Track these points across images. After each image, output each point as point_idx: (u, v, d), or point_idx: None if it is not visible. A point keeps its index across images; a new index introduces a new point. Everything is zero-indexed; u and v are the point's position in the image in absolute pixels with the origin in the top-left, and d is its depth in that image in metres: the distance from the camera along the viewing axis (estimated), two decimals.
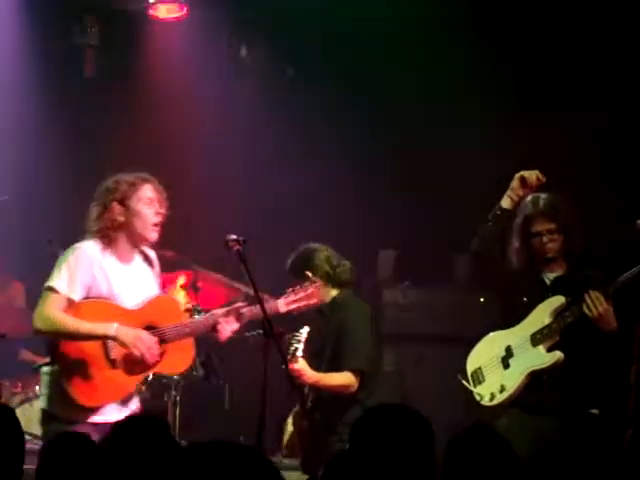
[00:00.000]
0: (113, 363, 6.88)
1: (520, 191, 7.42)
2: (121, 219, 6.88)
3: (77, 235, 7.03)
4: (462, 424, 5.39)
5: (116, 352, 6.87)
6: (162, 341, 6.98)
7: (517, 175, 7.47)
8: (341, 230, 8.63)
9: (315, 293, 7.41)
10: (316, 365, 7.54)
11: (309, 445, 7.56)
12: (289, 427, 7.86)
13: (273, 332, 6.62)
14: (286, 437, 7.90)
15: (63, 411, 6.84)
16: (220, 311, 7.13)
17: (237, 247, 6.68)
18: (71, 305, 6.78)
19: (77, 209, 7.42)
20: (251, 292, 7.09)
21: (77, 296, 6.74)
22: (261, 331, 6.79)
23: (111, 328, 6.71)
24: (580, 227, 7.37)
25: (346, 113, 10.18)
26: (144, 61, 10.36)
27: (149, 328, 6.95)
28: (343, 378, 7.42)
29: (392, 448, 4.19)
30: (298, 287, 7.31)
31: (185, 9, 9.88)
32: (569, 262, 7.33)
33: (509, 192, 7.48)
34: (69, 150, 9.79)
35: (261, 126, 10.06)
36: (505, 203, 7.47)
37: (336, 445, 6.74)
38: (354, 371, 7.36)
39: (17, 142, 9.22)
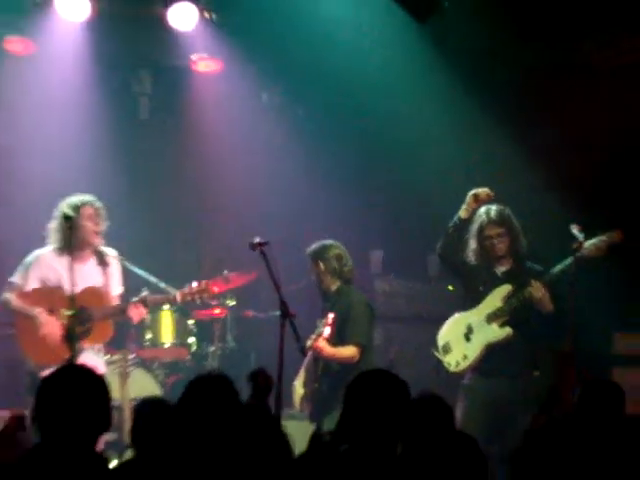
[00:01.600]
0: (45, 336, 7.26)
1: (473, 204, 7.54)
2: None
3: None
4: (432, 385, 6.03)
5: (44, 329, 7.28)
6: (89, 319, 7.21)
7: (470, 192, 7.55)
8: (340, 234, 8.13)
9: (206, 289, 7.54)
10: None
11: (316, 402, 7.46)
12: (299, 389, 7.70)
13: (288, 313, 6.51)
14: (297, 397, 7.73)
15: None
16: (131, 301, 7.41)
17: (261, 248, 6.63)
18: (22, 292, 7.34)
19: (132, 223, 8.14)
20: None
21: (28, 287, 7.33)
22: (279, 312, 6.62)
23: (34, 311, 7.22)
24: (522, 231, 7.41)
25: (346, 144, 9.86)
26: (188, 106, 10.10)
27: (82, 309, 7.11)
28: (349, 351, 7.39)
29: (376, 403, 4.12)
30: (195, 284, 7.45)
31: (220, 64, 9.61)
32: (514, 258, 7.42)
33: (465, 205, 7.63)
34: (128, 176, 9.56)
35: (279, 153, 9.79)
36: (462, 214, 7.59)
37: (339, 403, 6.46)
38: (357, 345, 7.35)
39: (86, 173, 8.90)
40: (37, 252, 7.52)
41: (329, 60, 9.37)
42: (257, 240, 6.72)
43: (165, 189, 9.46)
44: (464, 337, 7.46)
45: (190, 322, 8.89)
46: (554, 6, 8.77)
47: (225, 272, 8.83)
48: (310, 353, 7.53)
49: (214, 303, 9.10)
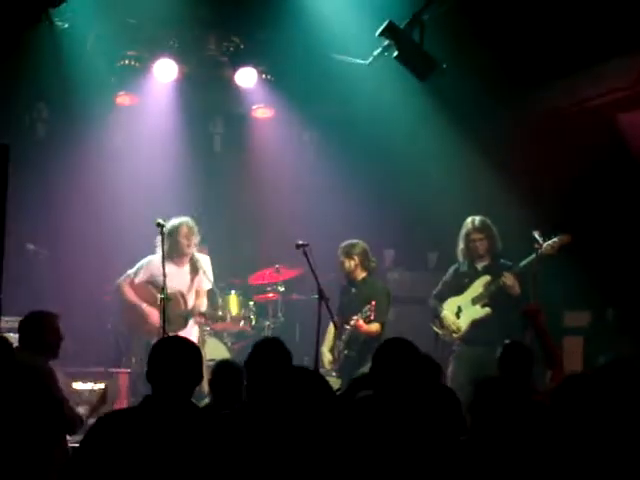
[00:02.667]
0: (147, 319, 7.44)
1: None
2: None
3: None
4: (430, 351, 6.04)
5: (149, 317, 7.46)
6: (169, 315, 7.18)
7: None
8: (361, 236, 8.21)
9: None
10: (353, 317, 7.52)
11: (345, 364, 7.44)
12: (327, 354, 7.75)
13: (323, 297, 6.83)
14: (326, 359, 7.75)
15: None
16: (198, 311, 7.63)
17: (304, 248, 6.90)
18: (132, 282, 7.56)
19: (211, 229, 8.19)
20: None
21: (137, 280, 7.56)
22: (316, 295, 6.90)
23: (138, 302, 7.44)
24: (498, 236, 7.57)
25: (366, 169, 9.74)
26: (249, 143, 10.09)
27: (166, 307, 7.20)
28: (376, 327, 7.41)
29: (398, 361, 4.12)
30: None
31: (273, 112, 9.69)
32: (492, 257, 7.54)
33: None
34: (206, 195, 9.57)
35: (315, 177, 9.70)
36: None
37: (367, 362, 6.34)
38: (381, 323, 7.43)
39: (176, 192, 9.12)
40: (150, 257, 7.78)
41: (353, 108, 9.34)
42: (300, 242, 6.95)
43: (233, 204, 9.37)
44: (455, 315, 7.54)
45: (251, 303, 8.83)
46: (525, 56, 8.37)
47: (277, 266, 8.83)
48: (331, 325, 7.39)
49: (269, 289, 9.03)
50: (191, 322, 7.70)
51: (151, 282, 7.61)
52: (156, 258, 7.61)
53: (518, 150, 8.84)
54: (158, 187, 9.01)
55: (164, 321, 6.82)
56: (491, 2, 7.72)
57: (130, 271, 7.76)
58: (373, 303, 7.28)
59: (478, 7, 7.67)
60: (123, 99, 9.15)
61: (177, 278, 7.68)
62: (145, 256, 7.73)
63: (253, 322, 8.80)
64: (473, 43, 8.07)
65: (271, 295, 9.03)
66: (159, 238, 7.32)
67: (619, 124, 8.42)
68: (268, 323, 8.78)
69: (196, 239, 7.82)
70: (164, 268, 6.92)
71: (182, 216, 7.78)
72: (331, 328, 7.56)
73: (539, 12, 7.65)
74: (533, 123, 8.91)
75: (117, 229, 8.93)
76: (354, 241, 7.74)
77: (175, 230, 7.70)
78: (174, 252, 7.70)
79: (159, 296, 7.18)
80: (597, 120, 8.44)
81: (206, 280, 7.89)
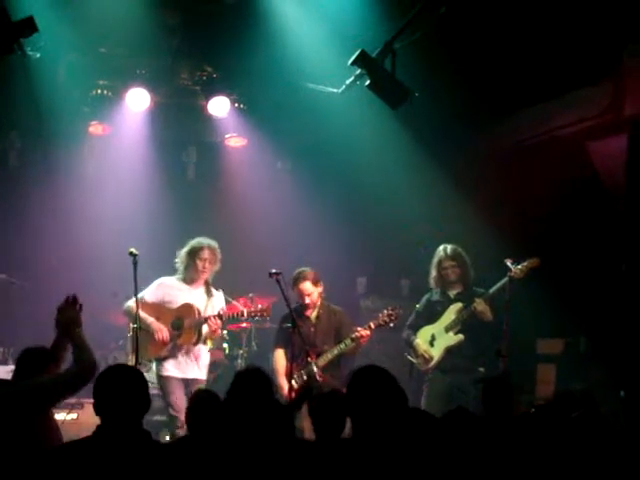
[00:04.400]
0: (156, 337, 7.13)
1: None
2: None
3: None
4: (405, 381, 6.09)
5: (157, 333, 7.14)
6: (180, 326, 7.17)
7: None
8: (334, 265, 8.52)
9: (266, 309, 7.35)
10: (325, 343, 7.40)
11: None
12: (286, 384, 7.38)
13: (296, 325, 6.67)
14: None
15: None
16: (212, 314, 7.26)
17: (277, 276, 6.67)
18: (143, 302, 7.09)
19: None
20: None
21: (147, 299, 7.19)
22: (289, 324, 6.74)
23: (147, 320, 7.04)
24: (471, 265, 7.55)
25: (339, 198, 9.78)
26: (222, 171, 10.08)
27: (178, 318, 7.20)
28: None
29: (373, 390, 4.06)
30: (259, 306, 7.38)
31: (246, 141, 9.62)
32: (464, 284, 7.50)
33: None
34: (180, 221, 9.41)
35: (288, 205, 9.70)
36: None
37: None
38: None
39: (148, 222, 9.09)
40: (163, 278, 7.59)
41: (326, 136, 9.32)
42: (273, 271, 6.73)
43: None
44: (429, 343, 7.48)
45: (224, 332, 8.61)
46: (495, 85, 8.40)
47: (250, 295, 8.67)
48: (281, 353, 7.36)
49: (242, 318, 8.76)
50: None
51: (163, 302, 7.39)
52: (169, 280, 7.48)
53: (489, 178, 8.85)
54: (132, 216, 8.95)
55: (137, 351, 6.54)
56: (463, 31, 7.74)
57: (140, 294, 7.32)
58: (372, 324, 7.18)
59: (450, 35, 7.70)
60: (96, 128, 9.09)
61: (190, 295, 7.42)
62: (117, 285, 7.53)
63: (226, 351, 8.64)
64: (445, 71, 8.09)
65: (244, 325, 8.84)
66: (177, 261, 7.37)
67: (589, 153, 8.39)
68: (241, 352, 8.60)
69: (214, 266, 7.54)
70: (136, 294, 6.58)
71: (207, 238, 7.53)
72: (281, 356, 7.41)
73: (510, 40, 7.72)
74: (503, 151, 8.98)
75: (91, 258, 8.86)
76: (307, 269, 7.52)
77: (195, 250, 7.47)
78: (187, 273, 7.47)
79: (171, 315, 7.14)
80: (567, 149, 8.44)
81: (216, 308, 7.55)
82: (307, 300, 7.35)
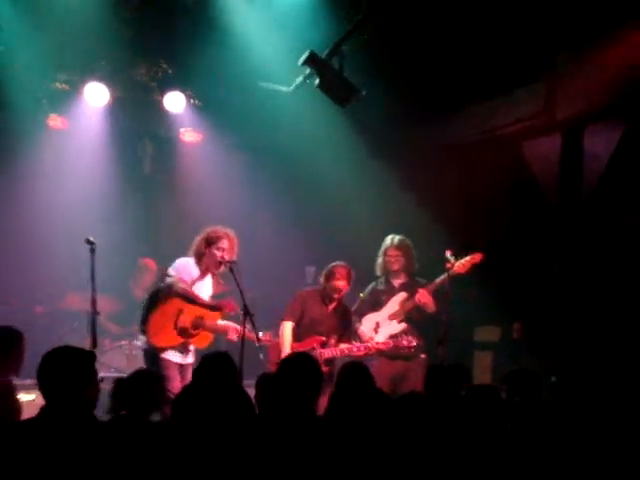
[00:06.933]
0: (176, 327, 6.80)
1: None
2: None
3: None
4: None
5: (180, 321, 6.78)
6: (201, 326, 6.82)
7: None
8: (283, 253, 8.64)
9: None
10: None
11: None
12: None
13: (248, 312, 6.25)
14: None
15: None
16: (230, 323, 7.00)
17: (231, 265, 6.53)
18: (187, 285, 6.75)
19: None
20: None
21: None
22: (241, 311, 6.38)
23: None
24: (415, 257, 7.57)
25: (290, 192, 9.79)
26: (178, 164, 9.99)
27: (199, 318, 6.82)
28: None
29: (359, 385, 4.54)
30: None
31: (201, 136, 9.64)
32: (407, 274, 7.52)
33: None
34: (135, 213, 9.52)
35: (241, 197, 9.73)
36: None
37: None
38: None
39: (105, 214, 9.02)
40: (183, 259, 7.06)
41: (278, 133, 9.38)
42: (227, 259, 6.70)
43: (161, 224, 9.40)
44: (374, 331, 7.45)
45: None
46: (439, 85, 8.51)
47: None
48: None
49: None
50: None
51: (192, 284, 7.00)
52: (187, 260, 7.02)
53: (432, 176, 8.93)
54: (88, 207, 8.88)
55: (94, 333, 6.23)
56: (407, 33, 7.78)
57: (177, 275, 7.02)
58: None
59: (394, 37, 7.76)
60: (55, 121, 8.97)
61: (203, 285, 7.04)
62: (73, 276, 7.49)
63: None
64: (390, 71, 8.12)
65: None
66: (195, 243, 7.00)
67: (525, 152, 8.54)
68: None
69: (233, 257, 6.98)
70: (94, 286, 6.24)
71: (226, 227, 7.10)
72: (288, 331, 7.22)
73: (451, 43, 7.78)
74: (445, 150, 9.09)
75: (48, 249, 8.75)
76: (343, 265, 7.38)
77: (214, 239, 7.01)
78: (201, 259, 6.97)
79: (195, 311, 6.73)
80: (505, 148, 8.61)
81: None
82: (336, 296, 7.27)
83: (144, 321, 6.80)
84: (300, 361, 4.28)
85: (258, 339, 6.57)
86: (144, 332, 6.84)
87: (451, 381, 5.11)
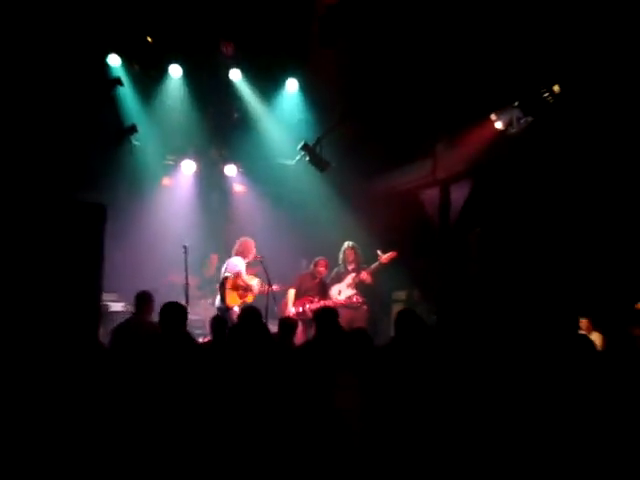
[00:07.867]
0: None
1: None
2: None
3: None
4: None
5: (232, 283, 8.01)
6: (249, 291, 8.16)
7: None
8: (285, 250, 9.31)
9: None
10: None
11: None
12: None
13: (270, 285, 7.98)
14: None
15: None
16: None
17: (261, 258, 8.01)
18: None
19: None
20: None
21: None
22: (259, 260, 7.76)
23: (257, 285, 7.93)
24: (361, 254, 8.88)
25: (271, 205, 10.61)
26: (232, 204, 11.17)
27: (245, 287, 8.34)
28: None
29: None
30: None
31: (244, 188, 10.76)
32: (355, 264, 8.88)
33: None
34: (207, 233, 10.37)
35: (262, 219, 10.47)
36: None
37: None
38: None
39: (192, 230, 9.70)
40: (235, 257, 8.51)
41: (285, 187, 10.68)
42: (258, 256, 8.10)
43: (222, 233, 10.18)
44: (338, 294, 8.80)
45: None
46: (373, 153, 9.39)
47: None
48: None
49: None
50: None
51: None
52: (239, 259, 8.33)
53: (369, 211, 10.04)
54: (185, 227, 9.91)
55: (187, 297, 7.40)
56: (361, 129, 9.21)
57: (242, 267, 8.29)
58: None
59: (351, 131, 9.29)
60: (166, 182, 10.52)
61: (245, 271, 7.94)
62: (175, 264, 8.18)
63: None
64: (349, 153, 9.71)
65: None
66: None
67: (421, 197, 9.92)
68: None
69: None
70: (186, 270, 7.36)
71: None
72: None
73: (382, 139, 9.28)
74: (377, 196, 10.43)
75: (162, 249, 9.75)
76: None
77: (249, 246, 8.36)
78: (246, 256, 8.31)
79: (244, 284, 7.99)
80: (409, 196, 9.95)
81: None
82: (319, 276, 8.63)
83: (222, 293, 8.23)
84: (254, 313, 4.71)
85: (272, 289, 8.04)
86: (222, 299, 8.24)
87: (415, 320, 5.18)
